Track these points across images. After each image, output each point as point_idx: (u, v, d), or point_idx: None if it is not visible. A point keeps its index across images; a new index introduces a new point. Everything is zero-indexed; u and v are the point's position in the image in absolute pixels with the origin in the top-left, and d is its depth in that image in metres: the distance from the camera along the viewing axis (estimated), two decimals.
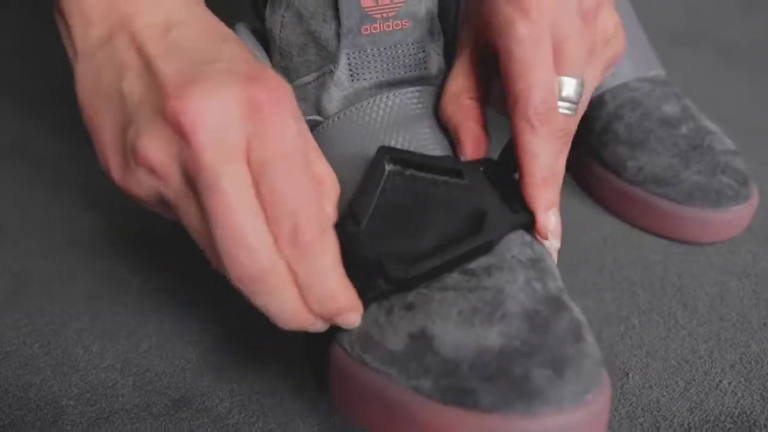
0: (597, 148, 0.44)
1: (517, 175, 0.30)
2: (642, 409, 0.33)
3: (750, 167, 0.45)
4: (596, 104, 0.44)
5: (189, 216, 0.25)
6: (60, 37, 0.27)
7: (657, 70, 0.46)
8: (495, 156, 0.32)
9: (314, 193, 0.25)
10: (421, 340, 0.26)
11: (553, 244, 0.30)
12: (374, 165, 0.30)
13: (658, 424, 0.32)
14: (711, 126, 0.44)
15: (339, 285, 0.25)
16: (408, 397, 0.25)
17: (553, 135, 0.29)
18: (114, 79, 0.25)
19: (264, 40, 0.35)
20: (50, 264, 0.40)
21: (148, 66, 0.24)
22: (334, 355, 0.28)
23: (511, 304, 0.26)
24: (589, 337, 0.26)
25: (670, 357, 0.36)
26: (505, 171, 0.31)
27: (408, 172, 0.30)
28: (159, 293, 0.38)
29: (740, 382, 0.34)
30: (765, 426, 0.32)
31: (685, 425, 0.32)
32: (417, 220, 0.29)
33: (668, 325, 0.37)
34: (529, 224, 0.30)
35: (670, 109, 0.44)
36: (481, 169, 0.31)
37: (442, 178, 0.30)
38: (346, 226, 0.28)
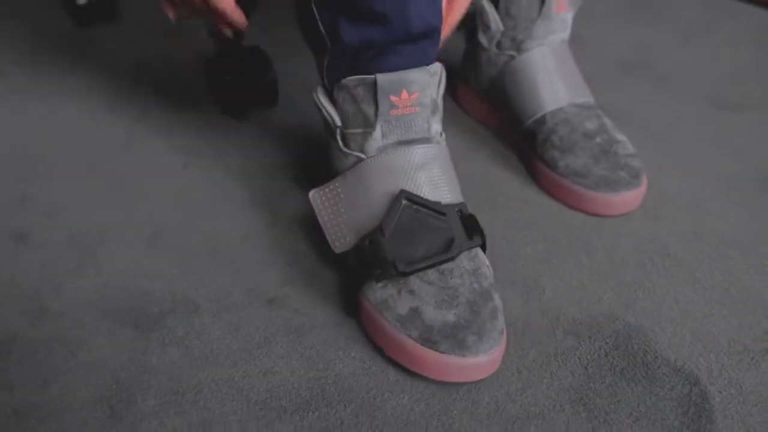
0: (540, 153, 0.65)
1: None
2: (553, 312, 0.54)
3: (654, 166, 0.65)
4: (540, 122, 0.65)
5: None
6: None
7: (586, 98, 0.67)
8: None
9: None
10: (415, 311, 0.48)
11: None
12: (396, 200, 0.50)
13: (558, 318, 0.53)
14: (620, 137, 0.65)
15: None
16: (404, 339, 0.47)
17: None
18: None
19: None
20: None
21: None
22: (364, 304, 0.50)
23: (461, 298, 0.48)
24: (501, 318, 0.48)
25: (574, 282, 0.56)
26: (468, 214, 0.52)
27: (414, 207, 0.51)
28: None
29: (613, 297, 0.55)
30: (624, 321, 0.53)
31: (577, 320, 0.53)
32: (416, 238, 0.50)
33: (576, 262, 0.58)
34: (478, 246, 0.51)
35: (591, 125, 0.64)
36: (456, 210, 0.51)
37: (433, 214, 0.51)
38: (376, 236, 0.49)
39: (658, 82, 0.85)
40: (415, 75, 0.50)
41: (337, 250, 0.53)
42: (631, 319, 0.54)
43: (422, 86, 0.50)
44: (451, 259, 0.49)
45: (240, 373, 0.49)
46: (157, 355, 0.50)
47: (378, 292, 0.49)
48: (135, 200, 0.64)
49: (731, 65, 0.90)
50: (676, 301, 0.55)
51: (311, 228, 0.59)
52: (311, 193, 0.55)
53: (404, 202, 0.50)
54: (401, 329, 0.47)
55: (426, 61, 0.51)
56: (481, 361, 0.46)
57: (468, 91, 0.75)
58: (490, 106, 0.72)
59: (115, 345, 0.51)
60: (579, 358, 0.50)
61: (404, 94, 0.50)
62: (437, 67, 0.52)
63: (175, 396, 0.47)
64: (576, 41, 0.90)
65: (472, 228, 0.51)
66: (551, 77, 0.66)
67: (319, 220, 0.54)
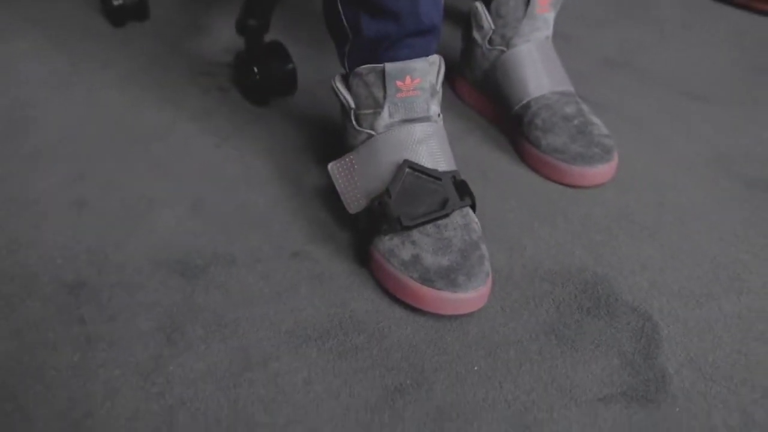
0: (526, 133, 0.75)
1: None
2: (532, 264, 0.64)
3: (626, 147, 0.75)
4: (526, 107, 0.75)
5: None
6: None
7: (566, 87, 0.76)
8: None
9: None
10: (416, 258, 0.58)
11: None
12: (401, 168, 0.61)
13: (537, 269, 0.63)
14: (595, 120, 0.74)
15: None
16: (406, 280, 0.57)
17: None
18: None
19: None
20: None
21: None
22: (374, 254, 0.60)
23: (454, 247, 0.58)
24: (487, 263, 0.58)
25: (551, 241, 0.67)
26: (460, 179, 0.62)
27: (416, 173, 0.61)
28: None
29: (584, 252, 0.64)
30: (592, 271, 0.63)
31: (552, 270, 0.63)
32: (417, 199, 0.60)
33: (554, 226, 0.68)
34: (468, 206, 0.61)
35: (569, 110, 0.74)
36: (450, 176, 0.61)
37: (431, 179, 0.61)
38: (384, 197, 0.59)
39: (638, 76, 0.95)
40: (418, 64, 0.60)
41: (352, 211, 0.63)
42: (598, 270, 0.64)
43: (423, 73, 0.61)
44: (446, 215, 0.59)
45: (271, 311, 0.59)
46: (202, 296, 0.60)
47: (386, 243, 0.59)
48: (177, 175, 0.74)
49: (705, 61, 1.00)
50: (637, 257, 0.65)
51: (328, 197, 0.69)
52: (330, 165, 0.65)
53: (407, 169, 0.60)
54: (405, 272, 0.57)
55: (427, 53, 0.61)
56: (469, 297, 0.56)
57: (465, 83, 0.85)
58: (483, 95, 0.82)
59: (167, 289, 0.61)
60: (553, 299, 0.60)
61: (408, 80, 0.60)
62: (436, 58, 0.62)
63: (219, 327, 0.58)
64: (565, 40, 1.00)
65: (463, 190, 0.61)
66: (536, 69, 0.76)
67: (337, 187, 0.64)
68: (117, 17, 0.98)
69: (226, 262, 0.64)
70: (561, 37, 1.02)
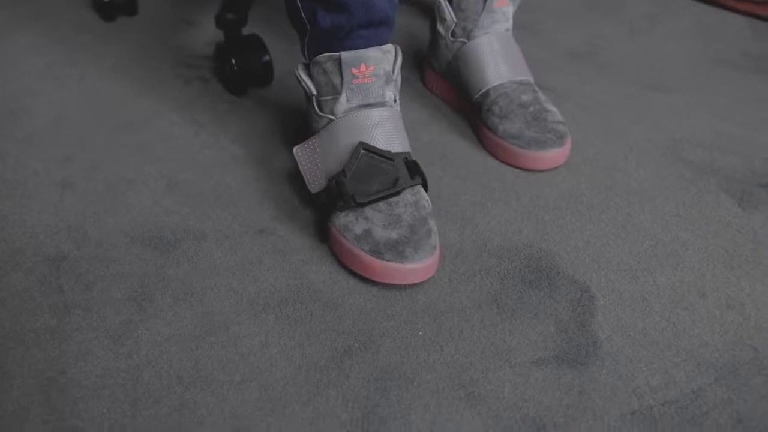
0: (484, 119, 0.79)
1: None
2: (482, 240, 0.68)
3: (582, 134, 0.79)
4: (485, 95, 0.79)
5: None
6: None
7: (524, 76, 0.80)
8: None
9: None
10: (368, 232, 0.62)
11: None
12: (356, 149, 0.65)
13: (486, 244, 0.67)
14: (550, 108, 0.79)
15: None
16: (359, 252, 0.61)
17: None
18: None
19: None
20: None
21: None
22: (331, 229, 0.65)
23: (403, 222, 0.62)
24: (434, 237, 0.62)
25: (502, 219, 0.71)
26: (412, 160, 0.66)
27: (370, 155, 0.65)
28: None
29: (532, 230, 0.68)
30: (538, 247, 0.67)
31: (500, 246, 0.67)
32: (371, 178, 0.64)
33: (506, 206, 0.73)
34: (420, 184, 0.65)
35: (526, 98, 0.78)
36: (402, 157, 0.65)
37: (384, 159, 0.65)
38: (340, 177, 0.63)
39: (601, 68, 0.98)
40: (372, 52, 0.65)
41: (313, 191, 0.67)
42: (543, 246, 0.68)
43: (377, 61, 0.65)
44: (397, 193, 0.63)
45: (236, 281, 0.64)
46: (172, 268, 0.65)
47: (341, 219, 0.64)
48: (156, 158, 0.79)
49: (669, 54, 1.03)
50: (581, 234, 0.69)
51: (295, 178, 0.74)
52: (294, 149, 0.70)
53: (362, 151, 0.65)
54: (357, 245, 0.62)
55: (381, 42, 0.65)
56: (415, 267, 0.60)
57: (432, 73, 0.89)
58: (448, 84, 0.87)
59: (141, 261, 0.66)
60: (498, 272, 0.65)
61: (363, 68, 0.64)
62: (390, 47, 0.67)
63: (186, 296, 0.62)
64: (533, 33, 1.04)
65: (414, 170, 0.65)
66: (495, 59, 0.80)
67: (300, 169, 0.69)
68: (108, 12, 1.03)
69: (197, 237, 0.69)
70: (529, 30, 1.06)
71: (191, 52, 0.98)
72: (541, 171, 0.77)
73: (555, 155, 0.76)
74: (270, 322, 0.60)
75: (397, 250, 0.60)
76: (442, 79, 0.88)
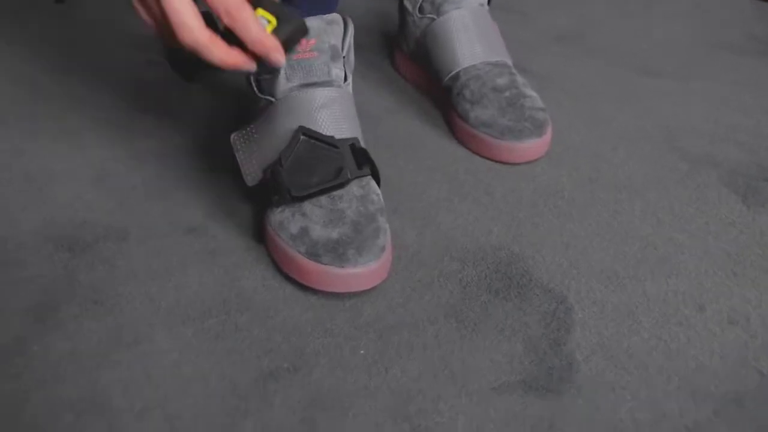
0: (455, 105, 0.70)
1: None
2: (444, 241, 0.59)
3: (565, 122, 0.70)
4: (455, 78, 0.70)
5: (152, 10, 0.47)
6: None
7: (500, 57, 0.71)
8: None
9: None
10: (305, 230, 0.53)
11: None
12: (295, 135, 0.56)
13: (448, 246, 0.58)
14: (529, 92, 0.69)
15: (261, 32, 0.46)
16: (294, 254, 0.52)
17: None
18: None
19: None
20: None
21: None
22: (267, 227, 0.56)
23: (347, 219, 0.53)
24: (384, 236, 0.53)
25: (470, 217, 0.62)
26: (360, 147, 0.56)
27: (312, 141, 0.56)
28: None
29: (503, 230, 0.60)
30: (509, 250, 0.58)
31: (465, 248, 0.58)
32: (311, 168, 0.55)
33: (475, 202, 0.63)
34: (369, 175, 0.56)
35: (501, 81, 0.69)
36: (348, 144, 0.56)
37: (327, 146, 0.56)
38: (276, 167, 0.54)
39: (590, 51, 0.89)
40: (312, 22, 0.55)
41: (249, 183, 0.58)
42: (515, 248, 0.58)
43: (318, 32, 0.56)
44: (341, 185, 0.54)
45: (155, 288, 0.55)
46: (84, 273, 0.56)
47: (277, 216, 0.55)
48: (86, 146, 0.70)
49: (662, 38, 0.94)
50: (560, 235, 0.60)
51: (237, 171, 0.65)
52: (232, 136, 0.60)
53: (302, 137, 0.56)
54: (293, 246, 0.53)
55: (323, 11, 0.56)
56: (358, 272, 0.51)
57: (401, 55, 0.80)
58: (417, 66, 0.78)
59: (51, 265, 0.57)
60: (460, 279, 0.55)
61: (302, 41, 0.55)
62: (336, 17, 0.57)
63: (95, 305, 0.53)
64: (518, 14, 0.95)
65: (362, 159, 0.56)
66: (469, 37, 0.70)
67: (237, 158, 0.60)
68: None
69: (118, 237, 0.60)
70: (510, 10, 0.97)
71: (141, 33, 0.89)
72: (518, 164, 0.68)
73: (532, 146, 0.67)
74: (187, 337, 0.51)
75: (336, 252, 0.51)
76: (411, 61, 0.79)
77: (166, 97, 0.77)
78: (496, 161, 0.68)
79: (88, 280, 0.55)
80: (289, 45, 0.50)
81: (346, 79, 0.60)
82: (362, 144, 0.58)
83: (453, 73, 0.70)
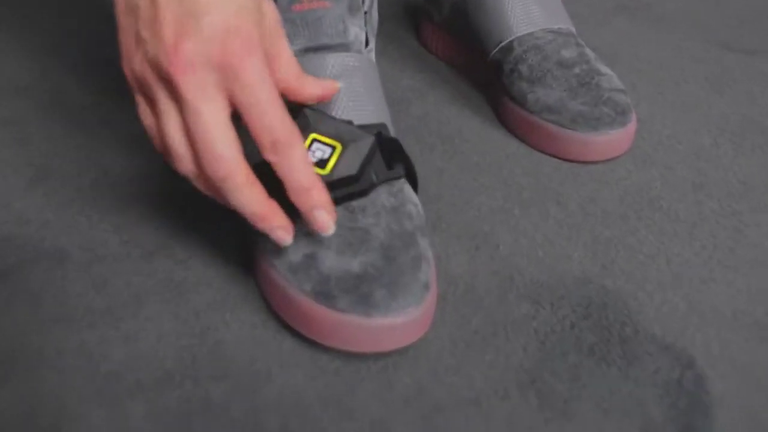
0: (507, 86, 0.53)
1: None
2: (506, 271, 0.42)
3: (646, 108, 0.54)
4: (506, 49, 0.54)
5: (170, 122, 0.32)
6: None
7: (562, 24, 0.55)
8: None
9: (282, 112, 0.32)
10: (311, 258, 0.36)
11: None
12: (299, 118, 0.38)
13: (514, 279, 0.41)
14: (604, 69, 0.53)
15: (312, 178, 0.33)
16: (294, 294, 0.35)
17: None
18: None
19: None
20: None
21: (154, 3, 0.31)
22: (255, 252, 0.39)
23: (373, 242, 0.36)
24: (426, 268, 0.36)
25: (537, 236, 0.45)
26: (390, 137, 0.40)
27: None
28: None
29: (587, 255, 0.43)
30: (599, 284, 0.41)
31: (537, 281, 0.41)
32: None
33: (543, 214, 0.46)
34: (403, 177, 0.39)
35: (568, 54, 0.52)
36: (374, 133, 0.39)
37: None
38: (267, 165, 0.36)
39: (659, 23, 0.73)
40: None
41: None
42: (608, 282, 0.42)
43: None
44: (364, 192, 0.37)
45: (95, 338, 0.38)
46: None
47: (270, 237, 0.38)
48: (25, 141, 0.53)
49: (744, 5, 0.78)
50: (667, 262, 0.43)
51: None
52: None
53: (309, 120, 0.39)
54: (293, 282, 0.35)
55: None
56: (393, 323, 0.34)
57: (431, 26, 0.63)
58: (453, 38, 0.61)
59: None
60: (535, 329, 0.39)
61: None
62: None
63: (6, 365, 0.37)
64: None
65: (393, 154, 0.39)
66: None
67: None
68: None
69: (53, 260, 0.43)
70: None
71: (86, 16, 0.73)
72: (595, 162, 0.52)
73: (614, 139, 0.50)
74: (135, 417, 0.34)
75: (358, 291, 0.34)
76: (443, 32, 0.62)
77: (117, 85, 0.60)
78: (564, 159, 0.51)
79: (1, 326, 0.39)
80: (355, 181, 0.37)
81: (368, 44, 0.43)
82: (392, 133, 0.41)
83: (504, 43, 0.54)
